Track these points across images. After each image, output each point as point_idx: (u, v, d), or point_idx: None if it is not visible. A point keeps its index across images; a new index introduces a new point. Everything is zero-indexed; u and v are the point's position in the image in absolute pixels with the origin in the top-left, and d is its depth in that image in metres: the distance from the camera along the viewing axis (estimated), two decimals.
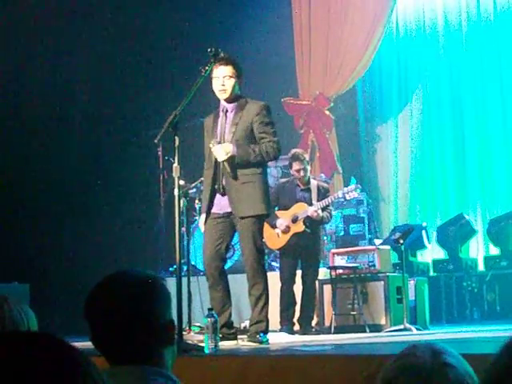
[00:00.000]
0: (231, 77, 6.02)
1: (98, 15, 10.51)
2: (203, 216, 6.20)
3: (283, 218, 8.16)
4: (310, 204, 8.16)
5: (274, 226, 8.17)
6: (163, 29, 10.81)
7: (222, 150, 5.92)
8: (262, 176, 6.09)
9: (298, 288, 8.16)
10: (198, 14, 11.08)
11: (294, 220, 8.10)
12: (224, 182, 6.10)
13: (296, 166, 8.30)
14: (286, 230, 8.13)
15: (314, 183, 8.40)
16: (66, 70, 10.14)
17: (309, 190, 8.31)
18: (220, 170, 6.07)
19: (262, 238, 6.27)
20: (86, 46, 10.35)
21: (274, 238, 8.26)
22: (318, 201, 8.18)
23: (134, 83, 10.59)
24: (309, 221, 8.11)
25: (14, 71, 9.88)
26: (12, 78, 9.82)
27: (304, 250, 8.14)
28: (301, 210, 8.14)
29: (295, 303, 8.09)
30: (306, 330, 7.99)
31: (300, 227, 8.07)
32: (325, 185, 8.73)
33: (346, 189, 8.61)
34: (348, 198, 8.49)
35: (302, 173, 8.25)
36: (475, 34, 11.46)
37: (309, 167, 8.46)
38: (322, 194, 8.32)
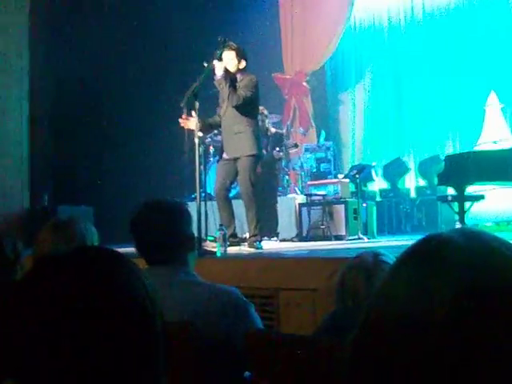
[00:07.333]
0: (233, 59, 5.93)
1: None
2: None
3: None
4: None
5: None
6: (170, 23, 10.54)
7: (219, 64, 5.77)
8: (252, 128, 5.95)
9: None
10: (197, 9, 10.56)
11: None
12: (223, 134, 6.09)
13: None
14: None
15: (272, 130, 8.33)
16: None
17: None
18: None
19: (255, 173, 6.20)
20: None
21: None
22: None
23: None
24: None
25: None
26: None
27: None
28: None
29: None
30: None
31: None
32: (280, 131, 8.57)
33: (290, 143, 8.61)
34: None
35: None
36: (411, 29, 11.37)
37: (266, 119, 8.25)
38: (279, 135, 8.31)
